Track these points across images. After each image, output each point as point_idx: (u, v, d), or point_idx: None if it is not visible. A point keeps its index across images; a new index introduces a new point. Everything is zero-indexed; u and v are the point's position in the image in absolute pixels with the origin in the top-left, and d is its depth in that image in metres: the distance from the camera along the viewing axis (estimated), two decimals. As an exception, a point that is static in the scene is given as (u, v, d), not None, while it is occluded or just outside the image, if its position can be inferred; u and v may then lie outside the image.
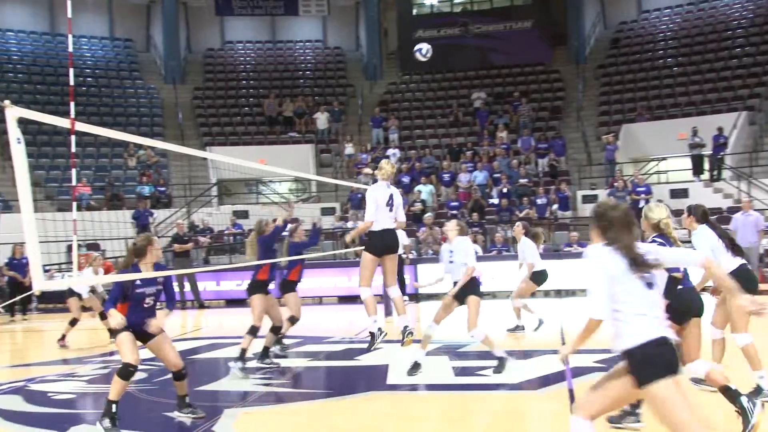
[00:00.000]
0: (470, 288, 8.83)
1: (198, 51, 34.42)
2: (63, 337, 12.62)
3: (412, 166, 25.82)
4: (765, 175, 22.24)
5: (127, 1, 33.74)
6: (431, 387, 8.35)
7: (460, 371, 8.99)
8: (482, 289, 9.15)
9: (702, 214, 7.37)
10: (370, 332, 8.33)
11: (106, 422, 6.42)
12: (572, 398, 7.17)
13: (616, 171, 23.99)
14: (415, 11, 34.15)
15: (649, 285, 4.06)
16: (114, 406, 6.49)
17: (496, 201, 23.19)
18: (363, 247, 8.49)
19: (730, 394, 5.89)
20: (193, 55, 34.15)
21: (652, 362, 3.85)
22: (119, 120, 27.51)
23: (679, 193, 22.61)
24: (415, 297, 18.03)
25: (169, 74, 32.37)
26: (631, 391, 3.95)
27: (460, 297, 8.88)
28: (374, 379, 8.85)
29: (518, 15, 32.75)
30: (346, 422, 7.00)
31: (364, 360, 9.63)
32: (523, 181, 24.20)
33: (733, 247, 7.09)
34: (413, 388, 8.28)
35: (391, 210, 8.38)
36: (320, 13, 34.58)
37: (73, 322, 12.82)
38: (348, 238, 9.33)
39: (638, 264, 4.03)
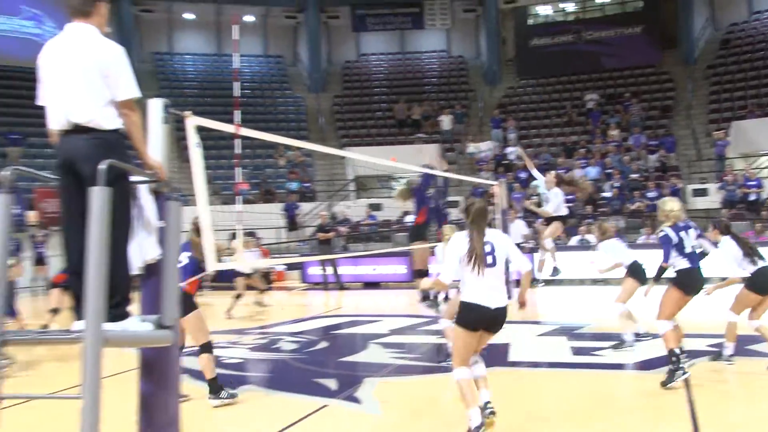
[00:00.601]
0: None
1: (337, 63, 35.02)
2: (229, 310, 13.35)
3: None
4: None
5: (278, 24, 34.72)
6: (550, 365, 8.24)
7: (577, 351, 8.81)
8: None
9: (725, 228, 7.89)
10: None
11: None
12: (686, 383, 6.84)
13: (726, 166, 22.83)
14: (530, 21, 33.56)
15: None
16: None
17: (608, 194, 22.53)
18: None
19: None
20: (332, 67, 34.78)
21: None
22: (271, 125, 28.33)
23: (789, 187, 21.34)
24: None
25: (313, 85, 33.15)
26: None
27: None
28: (496, 355, 8.81)
29: (629, 21, 31.60)
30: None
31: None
32: (634, 176, 23.41)
33: (753, 254, 7.53)
34: (533, 365, 8.20)
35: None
36: (444, 26, 34.48)
37: (238, 297, 13.55)
38: None
39: None
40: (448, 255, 5.41)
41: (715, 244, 8.13)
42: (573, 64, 31.17)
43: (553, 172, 12.48)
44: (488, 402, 5.59)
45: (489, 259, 5.25)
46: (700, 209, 21.17)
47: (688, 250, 6.97)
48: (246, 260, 12.87)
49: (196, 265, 6.59)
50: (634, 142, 25.50)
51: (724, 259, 7.80)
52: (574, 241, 18.90)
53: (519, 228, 17.36)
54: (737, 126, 24.79)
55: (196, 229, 6.36)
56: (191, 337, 6.74)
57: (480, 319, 5.25)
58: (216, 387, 6.61)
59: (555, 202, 11.84)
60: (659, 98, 28.84)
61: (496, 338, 9.54)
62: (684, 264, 6.96)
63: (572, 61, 31.24)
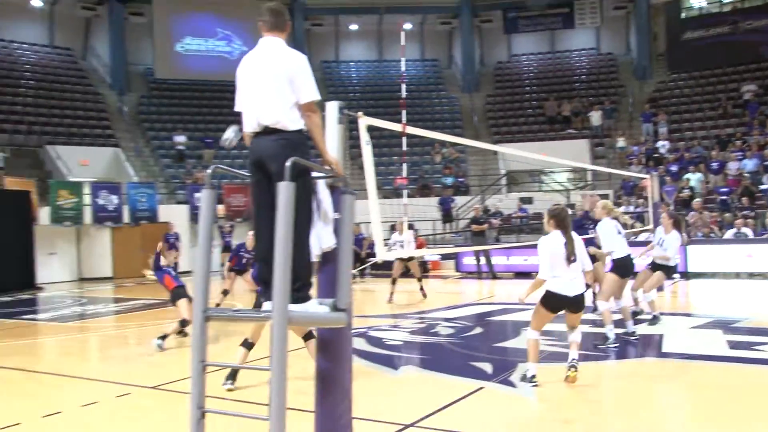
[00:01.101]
0: None
1: (489, 64, 34.71)
2: (391, 296, 13.57)
3: (681, 156, 24.04)
4: None
5: (434, 29, 34.89)
6: (701, 357, 7.73)
7: (734, 345, 8.20)
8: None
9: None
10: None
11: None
12: None
13: None
14: (683, 14, 31.58)
15: None
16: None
17: (766, 186, 20.82)
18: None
19: None
20: (485, 68, 34.49)
21: None
22: (428, 124, 28.55)
23: None
24: (685, 275, 16.74)
25: (466, 85, 33.06)
26: None
27: None
28: (648, 346, 8.39)
29: (790, 8, 29.04)
30: (620, 380, 6.75)
31: (640, 329, 9.12)
32: (794, 167, 21.51)
33: None
34: (685, 357, 7.72)
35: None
36: (594, 24, 33.22)
37: (394, 282, 13.74)
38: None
39: None
40: (544, 255, 6.34)
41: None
42: (729, 56, 29.07)
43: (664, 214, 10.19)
44: (574, 359, 6.40)
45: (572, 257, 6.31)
46: None
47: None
48: (411, 249, 13.13)
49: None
50: (795, 134, 23.41)
51: None
52: (729, 234, 17.61)
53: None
54: None
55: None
56: None
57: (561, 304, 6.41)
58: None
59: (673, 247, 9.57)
60: (823, 88, 26.29)
61: (650, 329, 9.20)
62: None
63: (728, 52, 29.13)
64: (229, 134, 5.30)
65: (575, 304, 6.38)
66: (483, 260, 18.92)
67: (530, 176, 27.03)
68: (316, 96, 3.91)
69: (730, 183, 21.68)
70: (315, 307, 3.88)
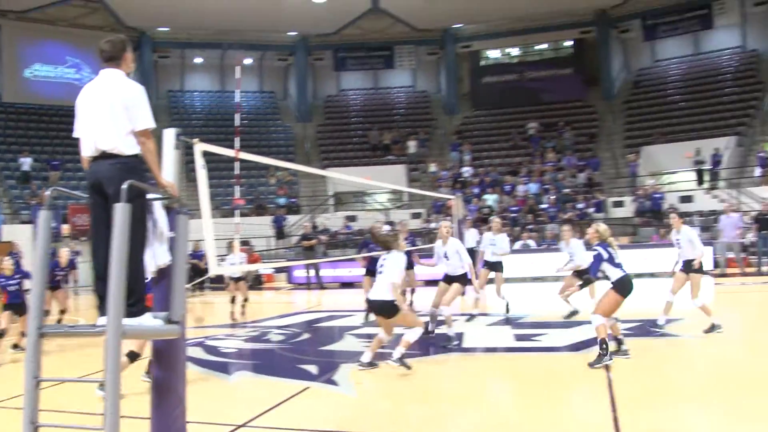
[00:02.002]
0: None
1: (321, 97, 35.00)
2: (232, 314, 12.88)
3: (481, 180, 25.70)
4: (751, 185, 21.52)
5: (272, 65, 34.65)
6: (496, 349, 8.30)
7: (520, 337, 8.89)
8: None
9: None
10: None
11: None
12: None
13: (637, 182, 23.33)
14: (482, 62, 33.93)
15: None
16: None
17: (545, 206, 22.83)
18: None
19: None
20: (317, 101, 34.74)
21: None
22: (264, 150, 28.19)
23: (686, 199, 22.10)
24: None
25: (300, 116, 33.12)
26: None
27: None
28: (453, 342, 8.84)
29: (561, 64, 32.25)
30: (431, 374, 7.08)
31: (443, 329, 9.58)
32: (566, 190, 23.75)
33: None
34: (483, 350, 8.22)
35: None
36: (410, 66, 34.74)
37: (233, 300, 13.10)
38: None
39: None
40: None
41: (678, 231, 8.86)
42: (517, 98, 31.62)
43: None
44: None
45: None
46: (618, 218, 21.62)
47: (618, 260, 6.98)
48: (243, 266, 12.79)
49: None
50: (567, 163, 25.88)
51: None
52: (517, 245, 19.06)
53: (472, 235, 17.45)
54: (646, 150, 25.42)
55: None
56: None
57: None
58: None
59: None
60: (586, 126, 29.29)
61: (454, 328, 9.69)
62: (618, 273, 6.90)
63: (516, 95, 31.76)
64: None
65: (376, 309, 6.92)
66: (312, 272, 19.02)
67: (355, 197, 27.59)
68: (151, 124, 3.80)
69: (519, 202, 23.50)
70: (149, 320, 3.74)
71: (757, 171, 21.84)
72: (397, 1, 29.38)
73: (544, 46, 33.13)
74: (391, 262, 6.90)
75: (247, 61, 33.73)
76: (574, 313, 10.08)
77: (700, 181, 22.85)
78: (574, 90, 31.31)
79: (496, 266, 11.02)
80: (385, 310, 6.81)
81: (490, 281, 11.29)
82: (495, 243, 10.92)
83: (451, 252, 8.80)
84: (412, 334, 6.81)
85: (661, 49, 31.17)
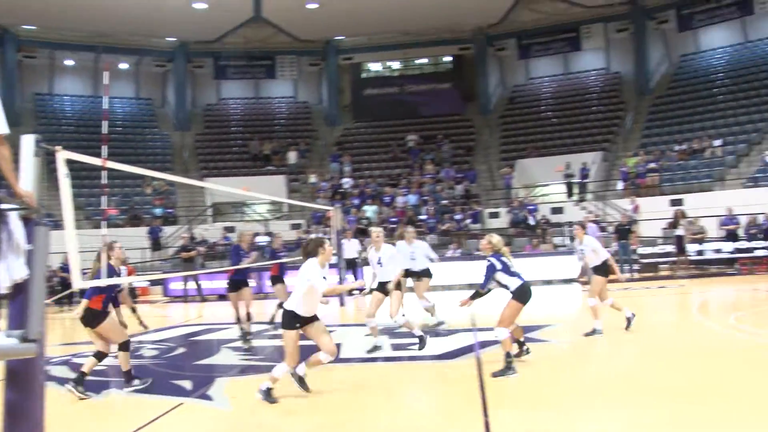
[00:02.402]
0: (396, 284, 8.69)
1: (200, 106, 34.04)
2: (141, 322, 12.42)
3: (361, 191, 26.00)
4: (615, 197, 23.21)
5: (149, 70, 33.29)
6: (374, 360, 8.43)
7: (396, 347, 9.08)
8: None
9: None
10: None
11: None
12: (479, 365, 7.33)
13: (512, 194, 24.54)
14: (363, 75, 34.48)
15: None
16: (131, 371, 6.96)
17: (424, 217, 23.49)
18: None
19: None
20: (196, 109, 33.76)
21: None
22: (141, 158, 27.11)
23: (557, 211, 23.45)
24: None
25: (178, 124, 32.07)
26: None
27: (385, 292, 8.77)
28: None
29: (440, 78, 33.44)
30: (311, 384, 7.09)
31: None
32: (444, 202, 24.56)
33: None
34: (361, 360, 8.33)
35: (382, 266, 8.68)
36: (292, 76, 34.63)
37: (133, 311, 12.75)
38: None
39: None
40: None
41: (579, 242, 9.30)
42: (397, 111, 32.39)
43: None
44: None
45: None
46: (494, 228, 22.65)
47: (514, 269, 7.00)
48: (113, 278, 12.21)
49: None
50: (445, 175, 26.77)
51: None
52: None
53: (354, 246, 17.67)
54: (521, 163, 26.86)
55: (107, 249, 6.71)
56: (110, 339, 6.93)
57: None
58: (129, 377, 6.89)
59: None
60: (464, 140, 30.48)
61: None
62: (516, 282, 6.92)
63: (397, 108, 32.52)
64: None
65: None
66: (192, 285, 18.44)
67: (234, 208, 27.08)
68: (3, 129, 3.58)
69: (398, 213, 24.02)
70: (1, 339, 3.51)
71: (620, 184, 23.64)
72: (280, 11, 29.24)
73: (425, 60, 34.18)
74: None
75: (123, 65, 32.23)
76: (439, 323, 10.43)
77: (570, 194, 24.35)
78: (453, 104, 32.51)
79: (423, 273, 10.51)
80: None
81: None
82: (415, 252, 10.38)
83: (386, 258, 8.70)
84: (280, 370, 6.22)
85: (534, 67, 33.14)
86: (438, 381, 7.10)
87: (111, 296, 7.09)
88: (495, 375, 6.60)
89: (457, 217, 23.06)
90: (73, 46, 30.81)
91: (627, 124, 27.85)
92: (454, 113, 32.39)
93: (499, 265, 6.94)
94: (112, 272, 6.88)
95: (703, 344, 8.25)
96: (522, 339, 7.51)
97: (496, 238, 7.23)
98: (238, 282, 10.04)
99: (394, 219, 23.52)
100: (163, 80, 33.91)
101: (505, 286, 6.96)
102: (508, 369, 6.63)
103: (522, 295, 6.90)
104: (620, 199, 22.72)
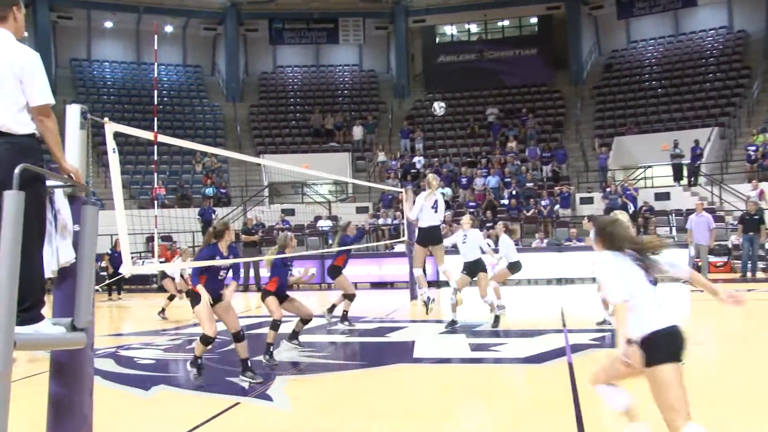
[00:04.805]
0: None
1: (254, 74, 34.65)
2: (163, 311, 13.05)
3: (435, 171, 25.84)
4: (734, 181, 22.06)
5: (197, 34, 34.05)
6: (450, 360, 8.36)
7: (476, 347, 8.98)
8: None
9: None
10: (423, 301, 10.27)
11: (194, 371, 7.06)
12: (571, 370, 7.14)
13: (608, 176, 23.86)
14: (437, 39, 34.20)
15: (653, 282, 4.06)
16: (199, 360, 7.10)
17: (506, 201, 23.13)
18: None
19: None
20: (249, 78, 34.39)
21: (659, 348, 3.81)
22: (189, 132, 27.80)
23: (662, 197, 22.60)
24: (436, 284, 17.97)
25: (230, 94, 32.67)
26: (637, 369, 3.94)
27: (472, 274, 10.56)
28: (402, 353, 8.89)
29: (525, 43, 32.76)
30: (377, 387, 7.07)
31: (394, 337, 9.68)
32: (529, 184, 24.13)
33: None
34: (435, 361, 8.29)
35: (436, 212, 9.91)
36: (357, 41, 34.68)
37: (171, 298, 13.28)
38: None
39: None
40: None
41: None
42: (476, 81, 31.94)
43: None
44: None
45: None
46: (586, 215, 22.04)
47: None
48: (172, 264, 12.64)
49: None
50: (530, 154, 26.29)
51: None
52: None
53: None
54: (618, 141, 26.04)
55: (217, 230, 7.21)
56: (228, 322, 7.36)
57: None
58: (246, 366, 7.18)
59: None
60: (552, 114, 29.86)
61: (402, 336, 9.78)
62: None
63: (475, 77, 32.04)
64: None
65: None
66: (252, 272, 18.67)
67: (293, 188, 27.40)
68: (49, 99, 3.61)
69: (477, 197, 23.75)
70: (48, 328, 3.57)
71: (743, 167, 22.40)
72: (344, -33, 29.26)
73: (507, 22, 33.59)
74: None
75: (168, 28, 32.97)
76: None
77: (678, 177, 23.49)
78: (540, 73, 31.85)
79: (476, 266, 10.76)
80: None
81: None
82: (467, 241, 10.72)
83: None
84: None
85: (636, 28, 32.03)
86: (526, 384, 6.93)
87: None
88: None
89: (544, 202, 22.60)
90: (113, 6, 31.53)
91: (753, 94, 26.45)
92: (541, 83, 31.73)
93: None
94: (218, 252, 7.16)
95: None
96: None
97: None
98: (337, 269, 10.93)
99: (472, 203, 23.27)
100: (213, 45, 34.61)
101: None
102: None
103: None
104: (740, 183, 21.67)
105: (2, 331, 3.06)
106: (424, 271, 10.94)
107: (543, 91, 31.55)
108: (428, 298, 10.12)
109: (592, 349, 8.28)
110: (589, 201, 23.39)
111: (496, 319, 10.41)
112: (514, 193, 23.19)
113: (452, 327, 10.20)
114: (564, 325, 10.43)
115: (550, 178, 24.97)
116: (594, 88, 30.56)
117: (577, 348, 8.32)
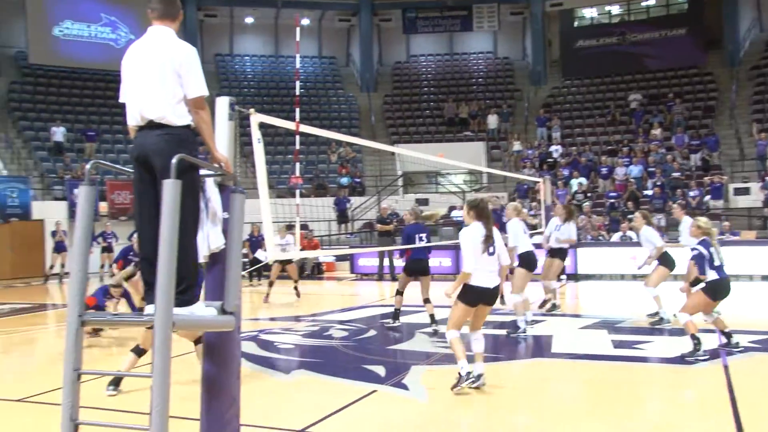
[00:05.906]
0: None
1: (388, 64, 35.10)
2: (267, 296, 13.76)
3: (573, 160, 25.17)
4: None
5: (332, 26, 34.95)
6: (589, 356, 8.11)
7: (618, 344, 8.66)
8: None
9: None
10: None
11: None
12: (727, 374, 6.74)
13: (767, 166, 22.26)
14: (576, 23, 33.16)
15: None
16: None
17: (650, 192, 22.10)
18: None
19: None
20: (383, 68, 34.87)
21: None
22: (324, 123, 28.57)
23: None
24: (575, 277, 17.51)
25: (364, 84, 33.30)
26: None
27: None
28: (540, 347, 8.73)
29: (673, 23, 30.99)
30: (515, 382, 6.99)
31: (531, 330, 9.50)
32: (676, 174, 22.93)
33: None
34: (575, 356, 8.08)
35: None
36: (491, 28, 34.24)
37: (271, 284, 14.00)
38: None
39: None
40: (466, 246, 6.26)
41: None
42: (617, 65, 30.81)
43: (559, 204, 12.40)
44: (481, 374, 6.35)
45: (491, 249, 6.34)
46: (741, 207, 20.69)
47: (717, 262, 7.60)
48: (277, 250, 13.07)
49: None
50: (677, 142, 25.02)
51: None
52: (615, 237, 18.61)
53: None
54: (780, 127, 24.12)
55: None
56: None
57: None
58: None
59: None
60: (702, 98, 28.22)
61: (540, 330, 9.60)
62: (713, 275, 7.58)
63: (616, 62, 30.90)
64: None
65: (492, 296, 6.40)
66: (387, 261, 18.93)
67: (427, 177, 27.53)
68: (204, 91, 3.83)
69: (618, 188, 22.88)
70: (201, 310, 3.80)
71: None
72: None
73: (652, 1, 31.99)
74: None
75: (304, 21, 34.01)
76: (655, 316, 10.10)
77: None
78: (689, 54, 30.10)
79: (557, 253, 11.43)
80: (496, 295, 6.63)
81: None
82: (560, 229, 11.30)
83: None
84: (482, 343, 6.66)
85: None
86: (674, 386, 6.61)
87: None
88: (684, 356, 7.48)
89: (692, 193, 21.40)
90: (253, 1, 33.19)
91: None
92: (690, 66, 30.03)
93: (706, 255, 7.55)
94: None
95: None
96: (727, 330, 7.97)
97: (703, 220, 7.90)
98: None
99: (613, 194, 22.46)
100: (348, 36, 35.36)
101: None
102: (695, 351, 7.40)
103: (715, 291, 7.61)
104: None
105: (162, 312, 3.28)
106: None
107: (692, 74, 29.83)
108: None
109: (751, 353, 7.77)
110: (745, 192, 21.92)
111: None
112: (658, 183, 22.13)
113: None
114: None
115: (700, 167, 23.60)
116: (752, 68, 28.48)
117: (730, 351, 7.83)
